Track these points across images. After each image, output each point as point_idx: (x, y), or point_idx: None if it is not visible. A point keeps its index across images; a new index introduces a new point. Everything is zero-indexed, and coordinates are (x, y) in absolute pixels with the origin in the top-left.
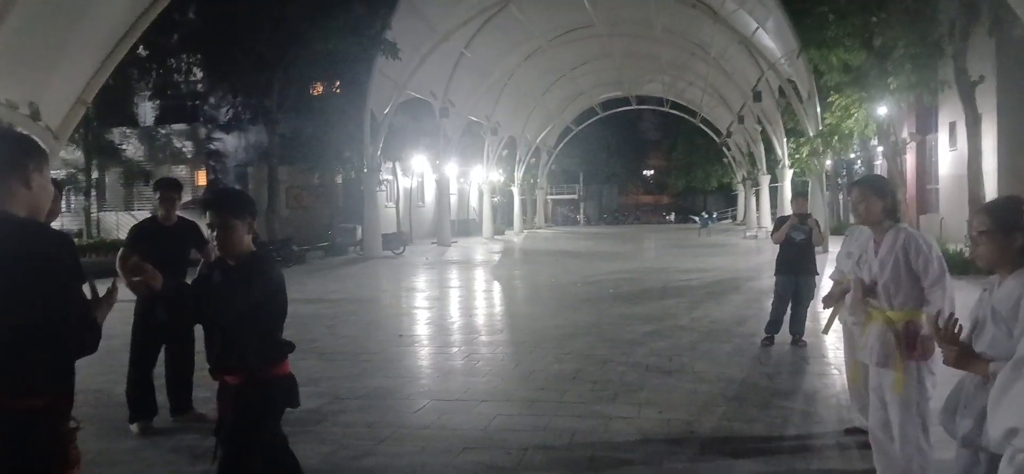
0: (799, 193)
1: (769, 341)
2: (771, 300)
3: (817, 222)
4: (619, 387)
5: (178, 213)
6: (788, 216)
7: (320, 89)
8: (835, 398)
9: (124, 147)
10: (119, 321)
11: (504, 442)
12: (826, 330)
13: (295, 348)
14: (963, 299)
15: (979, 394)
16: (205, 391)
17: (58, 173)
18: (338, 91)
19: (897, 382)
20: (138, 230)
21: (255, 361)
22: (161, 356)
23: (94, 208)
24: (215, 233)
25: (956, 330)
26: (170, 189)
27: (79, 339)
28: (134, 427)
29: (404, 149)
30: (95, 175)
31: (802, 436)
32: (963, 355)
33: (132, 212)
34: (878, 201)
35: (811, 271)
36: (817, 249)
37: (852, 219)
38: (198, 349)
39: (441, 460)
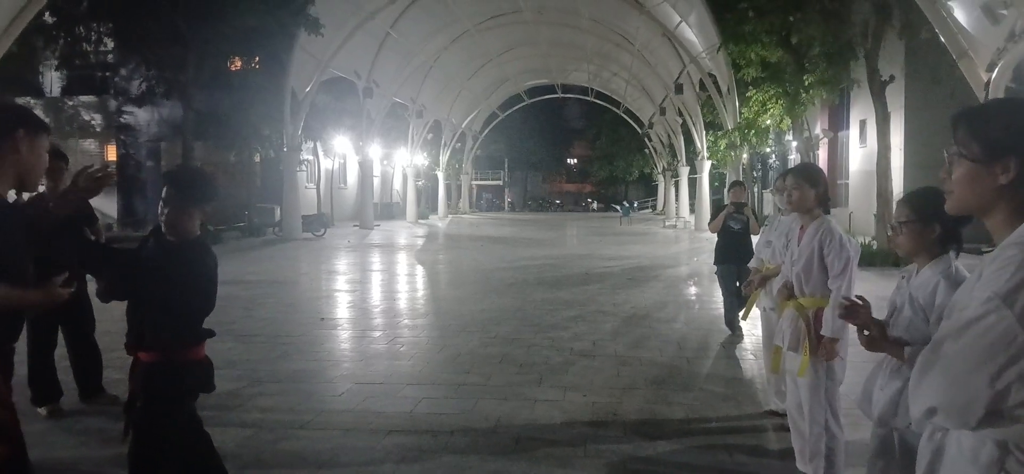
0: (737, 182)
1: (736, 333)
2: (695, 289)
3: (753, 211)
4: (544, 370)
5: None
6: (725, 205)
7: (238, 64)
8: (753, 382)
9: None
10: None
11: (430, 425)
12: (744, 316)
13: (214, 334)
14: (868, 288)
15: (894, 377)
16: (117, 372)
17: None
18: (257, 67)
19: (802, 365)
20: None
21: (172, 343)
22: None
23: None
24: (168, 210)
25: (858, 310)
26: (57, 158)
27: None
28: (41, 410)
29: (326, 129)
30: None
31: (722, 418)
32: (878, 339)
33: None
34: (811, 190)
35: (750, 259)
36: (753, 237)
37: (769, 210)
38: (107, 328)
39: (365, 443)
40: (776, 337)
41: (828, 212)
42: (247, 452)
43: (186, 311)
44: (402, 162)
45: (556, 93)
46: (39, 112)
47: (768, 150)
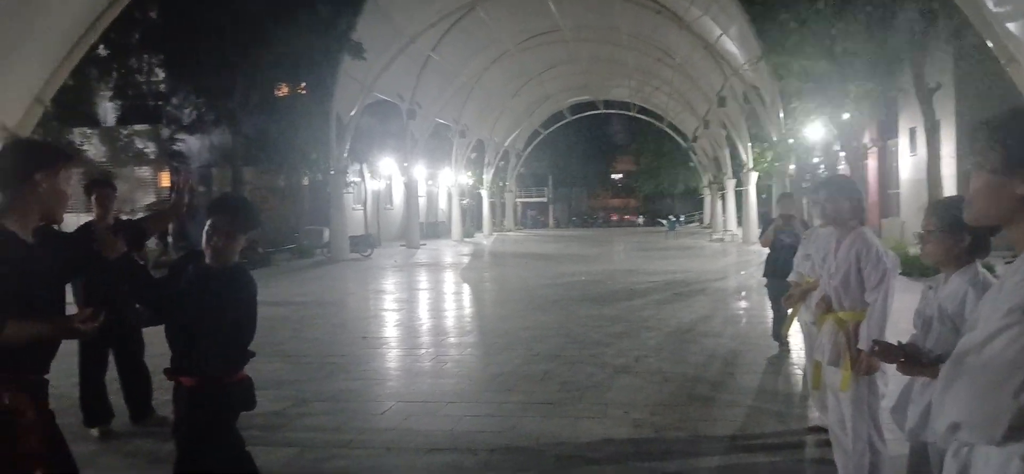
0: (785, 195)
1: (784, 348)
2: (743, 303)
3: (803, 222)
4: (586, 387)
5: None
6: (774, 219)
7: (285, 90)
8: (798, 397)
9: (85, 148)
10: None
11: (471, 443)
12: (786, 331)
13: (255, 355)
14: (914, 300)
15: (926, 390)
16: (166, 393)
17: None
18: (303, 92)
19: (843, 380)
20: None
21: (215, 368)
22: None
23: None
24: (215, 238)
25: (891, 351)
26: (105, 187)
27: None
28: (94, 432)
29: (371, 151)
30: None
31: (766, 434)
32: (910, 364)
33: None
34: (845, 201)
35: None
36: None
37: (816, 222)
38: (157, 351)
39: (406, 461)
40: (815, 352)
41: (864, 223)
42: (291, 471)
43: (229, 336)
44: (447, 182)
45: (598, 109)
46: (95, 142)
47: (816, 160)
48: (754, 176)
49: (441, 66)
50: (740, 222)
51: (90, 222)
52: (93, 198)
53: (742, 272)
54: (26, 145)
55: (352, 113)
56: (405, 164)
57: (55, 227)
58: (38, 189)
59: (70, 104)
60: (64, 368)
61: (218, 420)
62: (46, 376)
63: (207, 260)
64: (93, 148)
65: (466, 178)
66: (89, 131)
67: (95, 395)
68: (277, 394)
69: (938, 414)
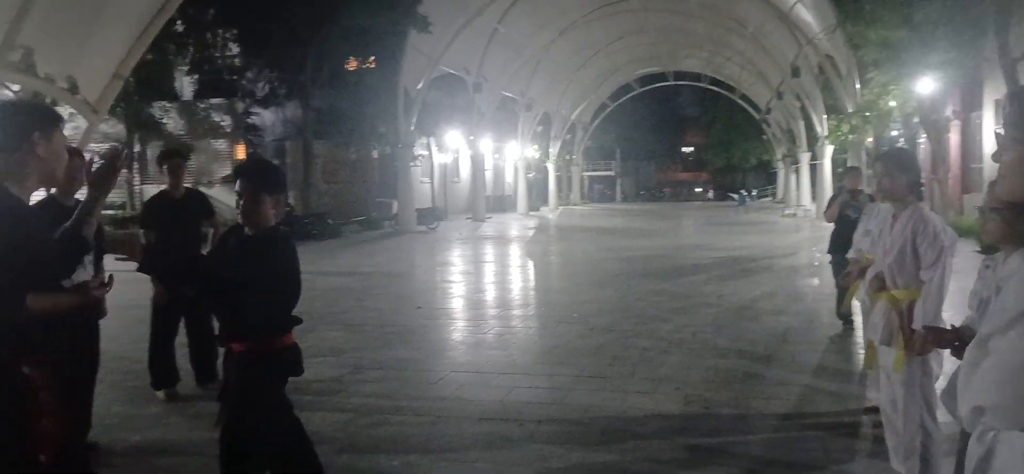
0: (853, 168)
1: (848, 326)
2: (810, 280)
3: (870, 198)
4: (639, 362)
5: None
6: (840, 192)
7: (354, 64)
8: (857, 377)
9: (164, 121)
10: (143, 293)
11: (519, 414)
12: (844, 309)
13: (301, 322)
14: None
15: None
16: None
17: (100, 146)
18: (372, 66)
19: (897, 361)
20: (149, 206)
21: (258, 332)
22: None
23: (136, 181)
24: (242, 202)
25: (943, 334)
26: (176, 157)
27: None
28: (160, 394)
29: (438, 125)
30: (137, 149)
31: (820, 414)
32: (963, 348)
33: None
34: (902, 176)
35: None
36: None
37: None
38: None
39: (455, 430)
40: (868, 331)
41: (921, 199)
42: (343, 436)
43: (272, 301)
44: (513, 155)
45: (668, 81)
46: (174, 116)
47: (894, 133)
48: (829, 149)
49: (507, 39)
50: (814, 197)
51: (163, 191)
52: (165, 168)
53: (812, 248)
54: (22, 106)
55: (419, 87)
56: (471, 138)
57: (62, 201)
58: (36, 150)
59: (150, 79)
60: (134, 335)
61: (264, 385)
62: (64, 358)
63: (243, 227)
64: (172, 122)
65: (532, 152)
66: (168, 105)
67: (163, 359)
68: (335, 361)
69: (962, 397)
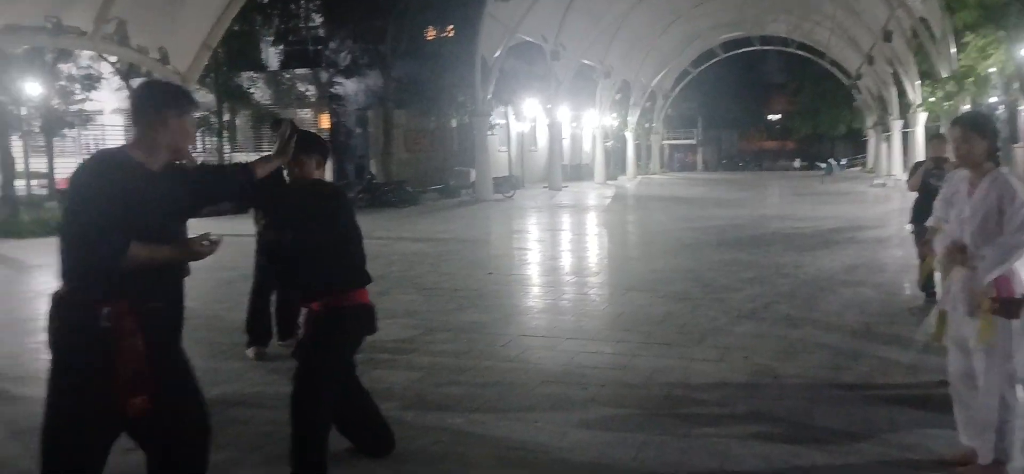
0: (937, 135)
1: (932, 297)
2: (895, 252)
3: (955, 165)
4: (707, 331)
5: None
6: (923, 161)
7: (433, 33)
8: (936, 350)
9: (252, 91)
10: (234, 255)
11: (582, 378)
12: (922, 281)
13: (371, 280)
14: None
15: None
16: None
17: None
18: (450, 35)
19: (983, 330)
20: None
21: (322, 287)
22: None
23: (227, 148)
24: (291, 168)
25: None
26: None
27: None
28: (250, 352)
29: (516, 93)
30: (226, 117)
31: (891, 386)
32: None
33: (261, 153)
34: (981, 141)
35: None
36: None
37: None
38: None
39: (519, 391)
40: (942, 302)
41: (998, 165)
42: (411, 393)
43: (334, 253)
44: (591, 123)
45: (753, 46)
46: (261, 86)
47: (992, 100)
48: (922, 116)
49: (586, 5)
50: (906, 166)
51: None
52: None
53: (900, 219)
54: (162, 86)
55: (496, 55)
56: (549, 106)
57: (181, 163)
58: (168, 126)
59: (238, 50)
60: (220, 295)
61: (337, 341)
62: (160, 304)
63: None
64: (259, 91)
65: (611, 120)
66: (255, 75)
67: (258, 318)
68: (408, 322)
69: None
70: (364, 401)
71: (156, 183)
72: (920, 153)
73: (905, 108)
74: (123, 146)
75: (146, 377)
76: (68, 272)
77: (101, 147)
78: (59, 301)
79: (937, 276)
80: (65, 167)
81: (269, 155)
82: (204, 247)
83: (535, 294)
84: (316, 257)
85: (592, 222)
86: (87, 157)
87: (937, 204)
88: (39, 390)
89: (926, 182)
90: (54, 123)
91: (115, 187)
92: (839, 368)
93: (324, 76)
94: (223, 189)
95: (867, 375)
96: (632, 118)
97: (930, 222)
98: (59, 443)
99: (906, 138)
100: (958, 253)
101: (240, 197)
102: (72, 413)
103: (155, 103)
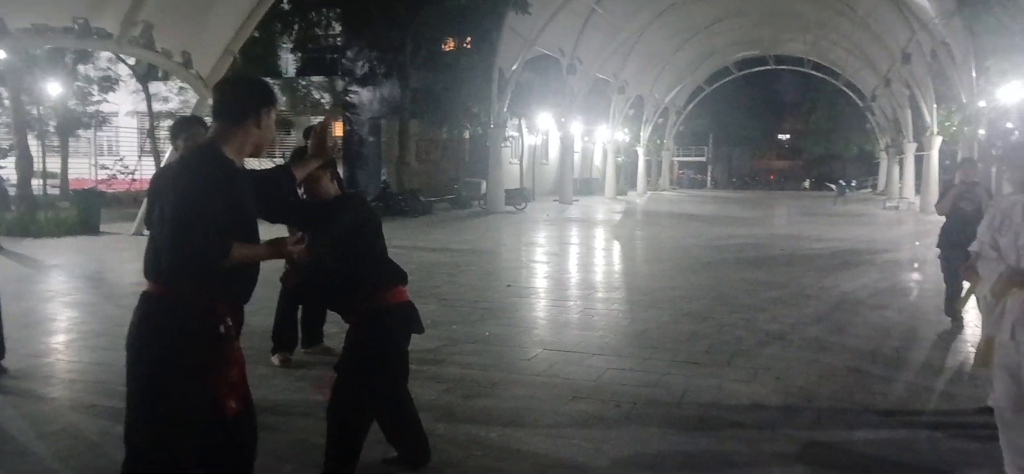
0: (967, 159)
1: (957, 323)
2: (915, 275)
3: (987, 191)
4: (736, 351)
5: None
6: (953, 183)
7: (451, 45)
8: (969, 375)
9: None
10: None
11: (614, 395)
12: (962, 305)
13: (406, 276)
14: None
15: None
16: (337, 327)
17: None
18: (469, 47)
19: None
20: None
21: (350, 294)
22: None
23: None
24: (306, 184)
25: None
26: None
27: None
28: (275, 358)
29: (530, 106)
30: None
31: (929, 411)
32: None
33: (275, 159)
34: None
35: None
36: None
37: (1007, 189)
38: None
39: (550, 406)
40: (989, 328)
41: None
42: (440, 406)
43: (359, 257)
44: (603, 138)
45: (768, 65)
46: (277, 92)
47: (1009, 126)
48: (938, 140)
49: (604, 20)
50: (918, 190)
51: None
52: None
53: (916, 242)
54: (257, 82)
55: (514, 68)
56: (562, 119)
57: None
58: (261, 123)
59: (257, 56)
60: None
61: (378, 343)
62: (243, 305)
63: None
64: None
65: (623, 135)
66: (272, 81)
67: (285, 325)
68: (431, 333)
69: None
70: (410, 410)
71: (247, 182)
72: (934, 177)
73: (920, 131)
74: (214, 142)
75: (244, 380)
76: (169, 272)
77: (146, 148)
78: (158, 301)
79: (971, 301)
80: (77, 168)
81: (305, 153)
82: (296, 248)
83: (556, 308)
84: (356, 268)
85: (606, 237)
86: (185, 154)
87: (982, 229)
88: (65, 391)
89: (956, 206)
90: (70, 124)
91: (220, 186)
92: (874, 393)
93: (340, 84)
94: (278, 189)
95: (903, 401)
96: (644, 134)
97: (973, 247)
98: (162, 442)
99: (919, 162)
100: (1020, 277)
101: (286, 201)
102: (177, 414)
103: (256, 99)
